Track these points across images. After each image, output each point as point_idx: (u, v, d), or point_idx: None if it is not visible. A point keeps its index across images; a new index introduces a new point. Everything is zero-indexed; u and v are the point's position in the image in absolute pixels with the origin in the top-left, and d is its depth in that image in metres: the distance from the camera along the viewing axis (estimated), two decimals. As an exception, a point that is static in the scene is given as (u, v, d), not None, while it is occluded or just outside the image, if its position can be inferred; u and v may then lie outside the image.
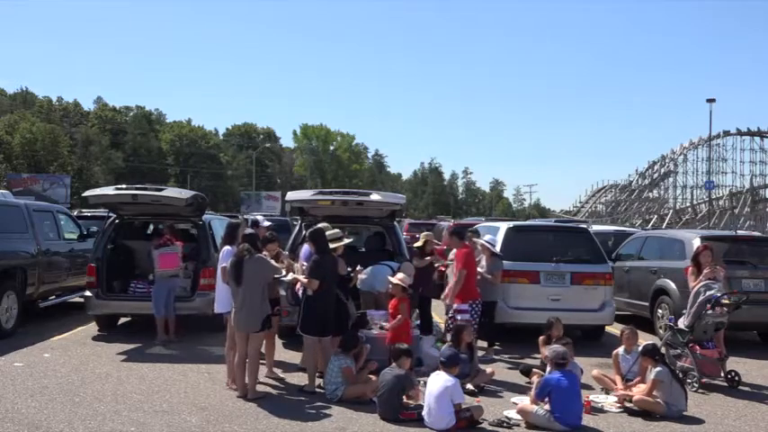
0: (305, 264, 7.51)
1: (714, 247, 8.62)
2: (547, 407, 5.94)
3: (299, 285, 7.52)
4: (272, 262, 7.13)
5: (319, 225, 7.63)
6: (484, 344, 8.80)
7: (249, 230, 7.31)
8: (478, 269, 8.64)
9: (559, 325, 7.57)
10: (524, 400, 6.30)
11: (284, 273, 7.55)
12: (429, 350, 7.98)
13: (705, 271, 7.97)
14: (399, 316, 7.43)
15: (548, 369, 6.30)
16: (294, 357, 8.05)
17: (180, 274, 9.55)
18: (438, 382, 5.90)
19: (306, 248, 7.92)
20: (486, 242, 8.93)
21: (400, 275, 7.79)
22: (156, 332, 9.14)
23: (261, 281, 6.63)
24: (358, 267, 8.31)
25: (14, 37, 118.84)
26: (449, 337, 7.70)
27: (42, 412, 5.93)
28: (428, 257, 9.26)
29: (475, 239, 9.05)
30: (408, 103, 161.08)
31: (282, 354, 8.43)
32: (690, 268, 8.34)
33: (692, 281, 8.12)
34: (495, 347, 9.08)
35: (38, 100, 79.31)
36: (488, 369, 7.46)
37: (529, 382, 7.22)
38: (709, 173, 54.87)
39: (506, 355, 8.88)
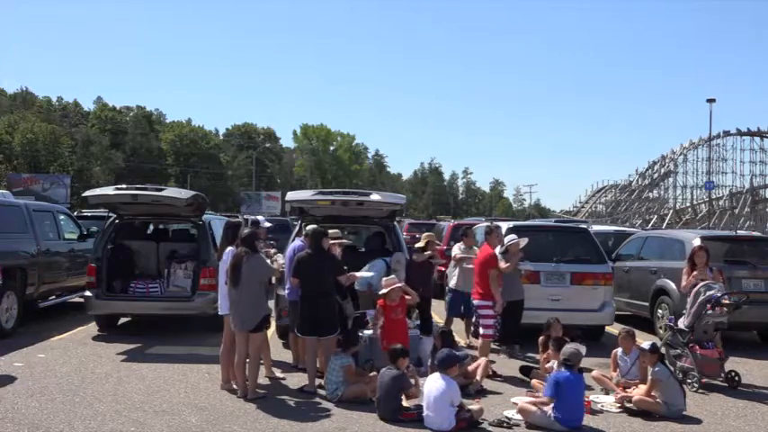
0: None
1: (711, 248, 8.58)
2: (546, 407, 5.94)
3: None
4: (269, 262, 7.13)
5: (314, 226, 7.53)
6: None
7: (248, 230, 7.30)
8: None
9: (558, 325, 7.57)
10: (524, 401, 6.30)
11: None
12: (429, 350, 7.97)
13: (694, 273, 8.01)
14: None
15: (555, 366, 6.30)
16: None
17: None
18: (436, 384, 5.87)
19: (291, 246, 7.92)
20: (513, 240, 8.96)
21: (389, 279, 7.72)
22: (157, 333, 9.04)
23: (258, 280, 6.64)
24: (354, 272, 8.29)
25: (14, 37, 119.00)
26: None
27: (42, 412, 5.93)
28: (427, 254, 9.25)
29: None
30: (408, 104, 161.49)
31: (282, 354, 8.43)
32: (685, 269, 8.30)
33: (685, 280, 8.16)
34: (497, 347, 9.05)
35: (38, 100, 79.37)
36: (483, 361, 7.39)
37: (527, 382, 7.22)
38: (710, 173, 54.89)
39: (506, 356, 8.87)
